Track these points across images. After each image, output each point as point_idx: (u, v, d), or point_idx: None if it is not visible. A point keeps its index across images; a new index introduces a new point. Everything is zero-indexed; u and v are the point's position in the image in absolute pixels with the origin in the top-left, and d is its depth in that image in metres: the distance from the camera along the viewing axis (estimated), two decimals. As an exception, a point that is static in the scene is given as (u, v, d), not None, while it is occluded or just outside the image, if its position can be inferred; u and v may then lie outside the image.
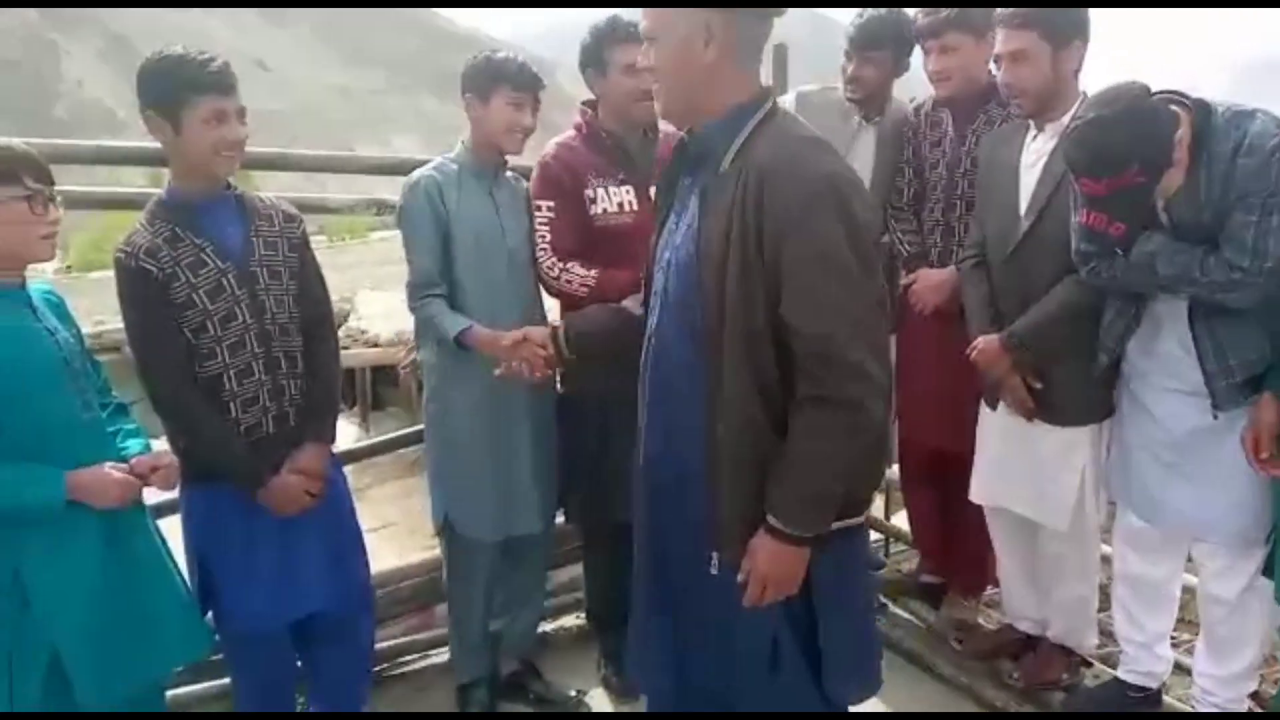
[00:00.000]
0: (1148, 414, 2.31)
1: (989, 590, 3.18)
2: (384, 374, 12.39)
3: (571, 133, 2.66)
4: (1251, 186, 2.02)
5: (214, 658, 2.54)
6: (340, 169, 3.24)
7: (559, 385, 2.68)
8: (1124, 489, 2.43)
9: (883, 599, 3.28)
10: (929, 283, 2.82)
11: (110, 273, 2.13)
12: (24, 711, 1.86)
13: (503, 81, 2.44)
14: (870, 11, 2.84)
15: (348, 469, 2.55)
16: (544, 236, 2.53)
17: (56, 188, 1.91)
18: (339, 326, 2.85)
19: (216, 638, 2.26)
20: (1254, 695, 2.47)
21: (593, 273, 2.48)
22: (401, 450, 3.40)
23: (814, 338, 1.60)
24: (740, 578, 1.69)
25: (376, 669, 2.76)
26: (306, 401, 2.23)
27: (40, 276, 1.99)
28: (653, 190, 2.12)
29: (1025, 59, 2.36)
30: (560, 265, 2.51)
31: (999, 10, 2.42)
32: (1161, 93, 2.12)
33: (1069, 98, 2.40)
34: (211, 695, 2.63)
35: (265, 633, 2.20)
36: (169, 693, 2.37)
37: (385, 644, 2.90)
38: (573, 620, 3.18)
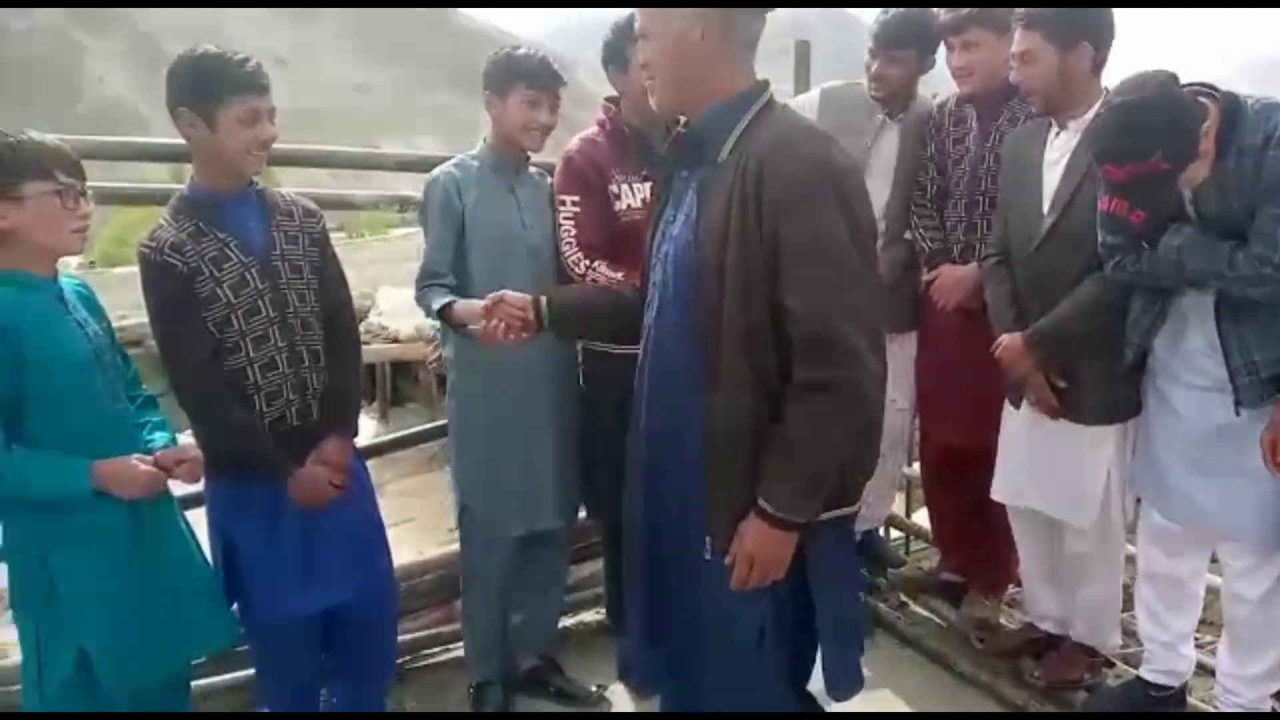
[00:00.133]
0: (1173, 411, 2.29)
1: (1010, 589, 3.17)
2: (404, 370, 12.45)
3: (595, 129, 2.67)
4: None
5: (239, 649, 2.58)
6: (363, 165, 3.26)
7: (581, 382, 2.69)
8: (1149, 487, 2.41)
9: (903, 597, 3.28)
10: (951, 279, 2.80)
11: (133, 269, 2.15)
12: (52, 693, 1.91)
13: (519, 79, 2.46)
14: (894, 10, 2.84)
15: (368, 464, 2.57)
16: (569, 232, 2.54)
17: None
18: (359, 322, 2.87)
19: (241, 630, 2.29)
20: (1277, 695, 2.45)
21: (619, 274, 2.48)
22: (421, 445, 3.43)
23: (810, 321, 1.61)
24: (726, 560, 1.70)
25: (398, 661, 2.77)
26: (328, 395, 2.25)
27: (63, 271, 2.02)
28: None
29: (1032, 60, 2.37)
30: (587, 263, 2.51)
31: (1016, 10, 2.42)
32: (1190, 84, 2.10)
33: (1087, 96, 2.39)
34: (236, 686, 2.65)
35: (290, 624, 2.22)
36: (194, 683, 2.40)
37: (407, 637, 2.92)
38: (593, 615, 3.20)
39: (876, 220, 2.97)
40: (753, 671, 1.78)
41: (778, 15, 1.90)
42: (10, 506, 1.92)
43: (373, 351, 11.17)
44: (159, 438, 2.07)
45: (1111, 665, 2.78)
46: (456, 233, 2.48)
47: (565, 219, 2.56)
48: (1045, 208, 2.44)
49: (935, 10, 2.81)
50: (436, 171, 2.53)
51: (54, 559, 1.89)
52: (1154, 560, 2.44)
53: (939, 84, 3.07)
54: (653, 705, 2.07)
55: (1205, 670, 2.64)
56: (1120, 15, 2.45)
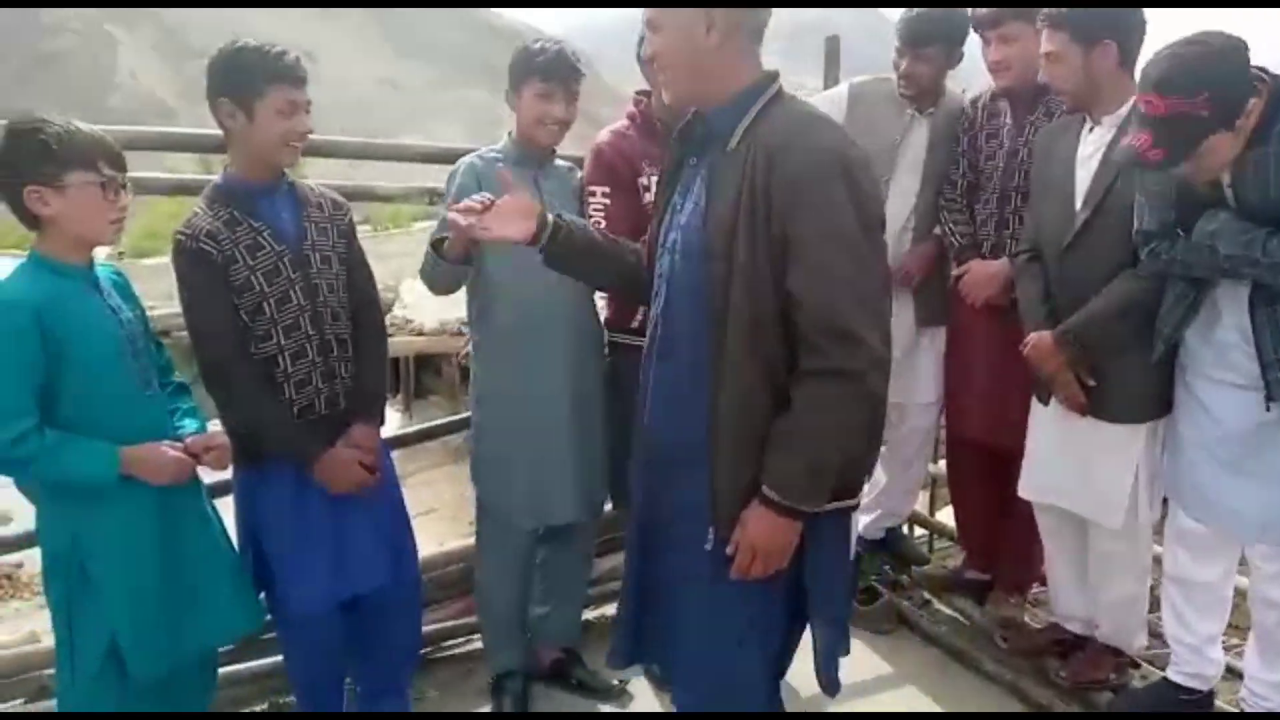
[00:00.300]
0: (1202, 408, 2.27)
1: (1035, 588, 3.15)
2: (427, 363, 12.51)
3: (625, 122, 2.67)
4: None
5: (265, 636, 2.60)
6: (390, 157, 3.28)
7: (608, 374, 2.69)
8: (1177, 487, 2.38)
9: (926, 595, 3.26)
10: (981, 275, 2.78)
11: (162, 260, 2.19)
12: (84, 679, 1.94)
13: (532, 73, 2.45)
14: (919, 9, 2.82)
15: (393, 455, 2.58)
16: (598, 224, 2.54)
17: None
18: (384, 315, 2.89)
19: (268, 617, 2.32)
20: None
21: None
22: (444, 438, 3.44)
23: (818, 309, 1.61)
24: (729, 549, 1.70)
25: (421, 651, 2.79)
26: (356, 384, 2.27)
27: (98, 260, 2.05)
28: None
29: (1058, 59, 2.37)
30: None
31: (1041, 10, 2.42)
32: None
33: (1119, 92, 2.37)
34: (263, 674, 2.68)
35: (317, 612, 2.24)
36: (221, 669, 2.43)
37: (429, 628, 2.93)
38: (615, 608, 3.20)
39: (909, 215, 2.98)
40: (731, 664, 1.78)
41: (807, 11, 1.89)
42: (42, 491, 1.96)
43: (397, 344, 11.23)
44: (189, 424, 2.10)
45: (1137, 666, 2.76)
46: None
47: (595, 210, 2.56)
48: (1078, 204, 2.42)
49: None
50: (460, 162, 2.55)
51: (84, 543, 1.92)
52: (1181, 563, 2.41)
53: (965, 79, 3.04)
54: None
55: (1232, 673, 2.61)
56: (1153, 14, 2.42)
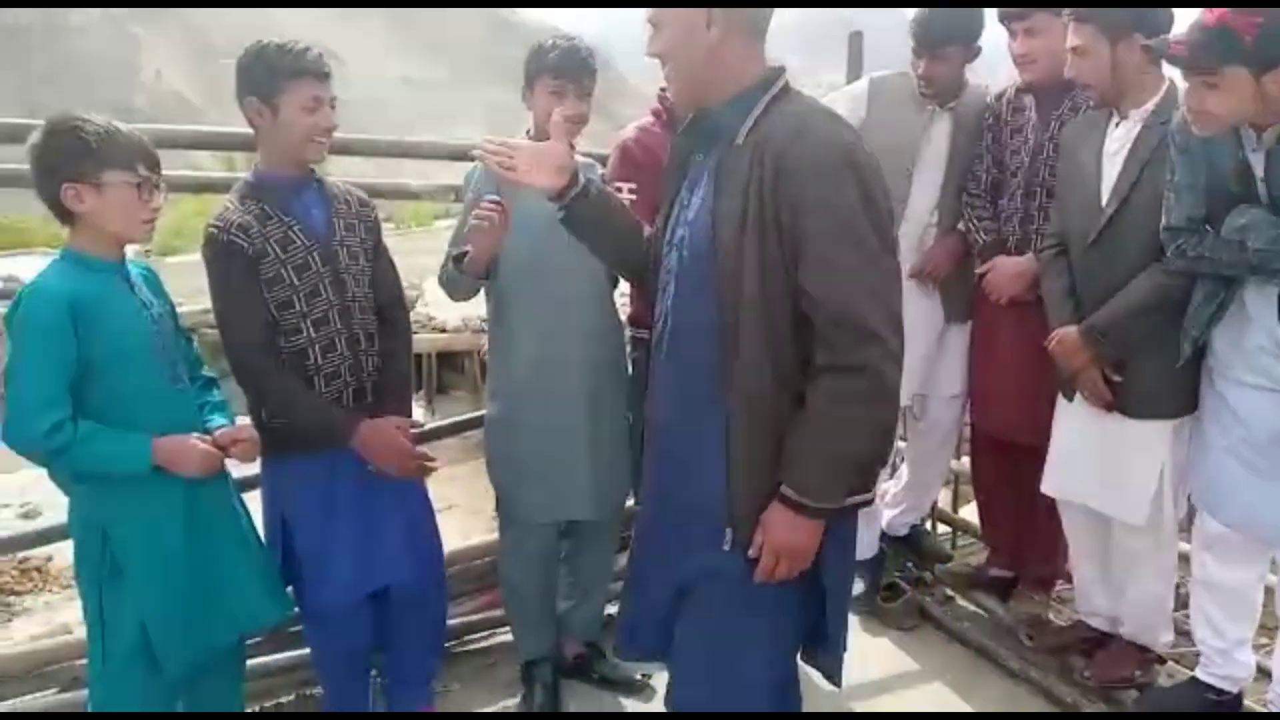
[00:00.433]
0: (1230, 411, 2.25)
1: (1060, 585, 3.13)
2: (449, 359, 12.59)
3: (650, 118, 2.67)
4: None
5: (292, 629, 2.63)
6: (415, 155, 3.29)
7: (630, 371, 2.69)
8: (1203, 490, 2.36)
9: (949, 592, 3.25)
10: (1006, 272, 2.77)
11: (188, 258, 2.22)
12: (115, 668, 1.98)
13: (544, 71, 2.45)
14: (932, 10, 2.80)
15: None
16: None
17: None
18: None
19: (295, 610, 2.34)
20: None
21: None
22: (466, 433, 3.46)
23: (832, 305, 1.60)
24: (752, 552, 1.69)
25: (446, 645, 2.81)
26: (382, 378, 2.30)
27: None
28: None
29: (1085, 53, 2.35)
30: None
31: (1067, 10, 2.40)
32: None
33: (1147, 87, 2.36)
34: (290, 666, 2.71)
35: (344, 604, 2.26)
36: (249, 661, 2.46)
37: (454, 621, 2.94)
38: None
39: (932, 209, 2.97)
40: (738, 664, 1.77)
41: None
42: (74, 482, 1.99)
43: (420, 341, 11.30)
44: (218, 418, 2.13)
45: (1163, 663, 2.74)
46: None
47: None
48: (1104, 199, 2.40)
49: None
50: (476, 163, 2.54)
51: (115, 535, 1.95)
52: (1209, 568, 2.39)
53: (987, 71, 3.03)
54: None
55: (1262, 672, 2.58)
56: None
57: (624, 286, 2.65)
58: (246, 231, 2.11)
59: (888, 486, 3.41)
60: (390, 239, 2.50)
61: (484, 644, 3.06)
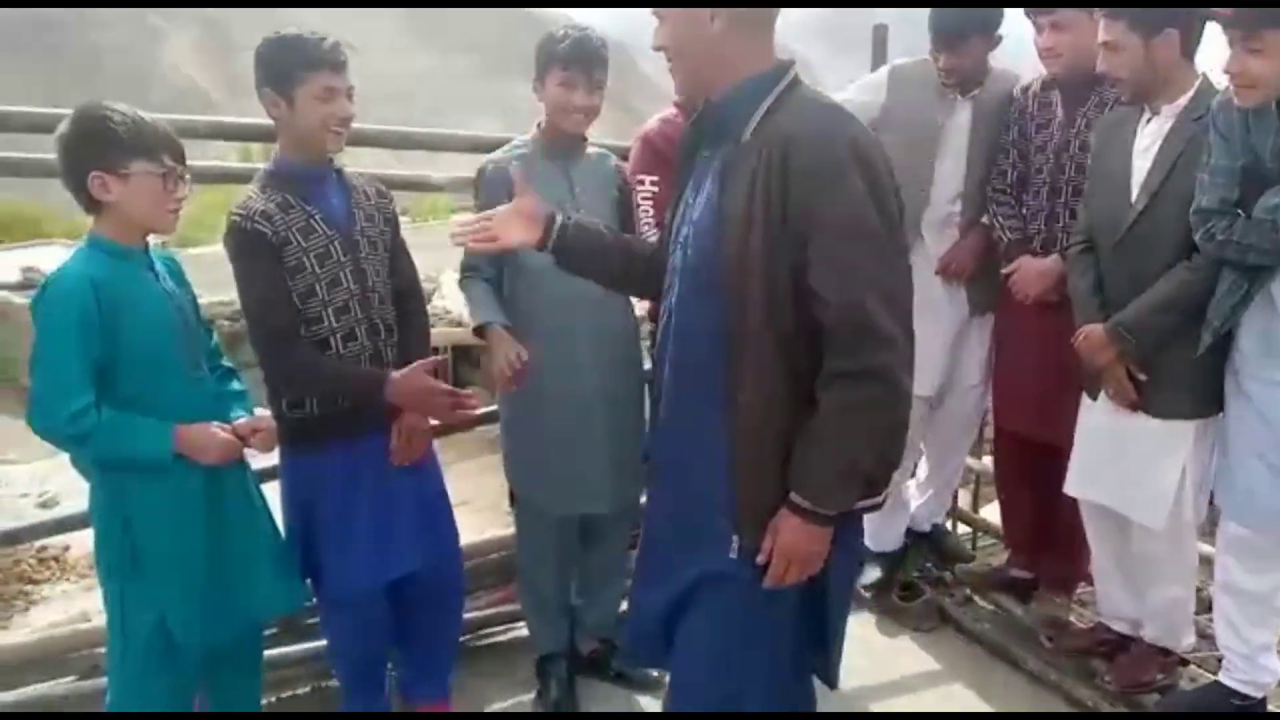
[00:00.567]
0: (1255, 411, 2.21)
1: (1081, 587, 3.10)
2: (465, 353, 12.60)
3: (673, 110, 2.65)
4: None
5: (309, 621, 2.64)
6: (437, 147, 3.29)
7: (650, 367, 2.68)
8: (1228, 494, 2.33)
9: (969, 592, 3.23)
10: (1031, 272, 2.74)
11: (207, 249, 2.23)
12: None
13: (554, 61, 2.42)
14: (948, 9, 2.78)
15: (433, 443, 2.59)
16: (647, 211, 2.53)
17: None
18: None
19: (312, 601, 2.35)
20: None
21: None
22: (481, 428, 3.46)
23: (843, 307, 1.56)
24: (761, 558, 1.65)
25: (461, 639, 2.81)
26: (403, 367, 2.28)
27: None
28: None
29: (1117, 49, 2.32)
30: None
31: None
32: None
33: (1180, 81, 2.32)
34: (306, 657, 2.71)
35: (362, 595, 2.26)
36: (267, 652, 2.46)
37: (470, 615, 2.94)
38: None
39: (954, 199, 2.93)
40: (738, 667, 1.74)
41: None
42: (96, 469, 2.00)
43: (436, 335, 11.25)
44: (237, 408, 2.14)
45: (1185, 666, 2.70)
46: None
47: (644, 199, 2.54)
48: (1133, 196, 2.37)
49: None
50: (486, 163, 2.52)
51: (135, 521, 1.97)
52: (1232, 572, 2.36)
53: (1010, 59, 3.00)
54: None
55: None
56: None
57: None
58: (270, 219, 2.11)
59: (910, 483, 3.39)
60: (407, 232, 2.50)
61: (499, 639, 3.06)
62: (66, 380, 1.85)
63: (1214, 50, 2.33)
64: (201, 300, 2.28)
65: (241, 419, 2.11)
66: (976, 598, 3.19)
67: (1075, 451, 2.60)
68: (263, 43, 2.16)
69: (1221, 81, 2.21)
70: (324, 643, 2.55)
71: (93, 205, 1.93)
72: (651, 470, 1.89)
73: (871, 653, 2.95)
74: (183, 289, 2.10)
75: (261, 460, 2.27)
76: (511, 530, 2.96)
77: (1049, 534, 2.98)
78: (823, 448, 1.61)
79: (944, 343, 3.02)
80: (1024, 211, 2.83)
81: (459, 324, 11.90)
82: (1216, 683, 2.47)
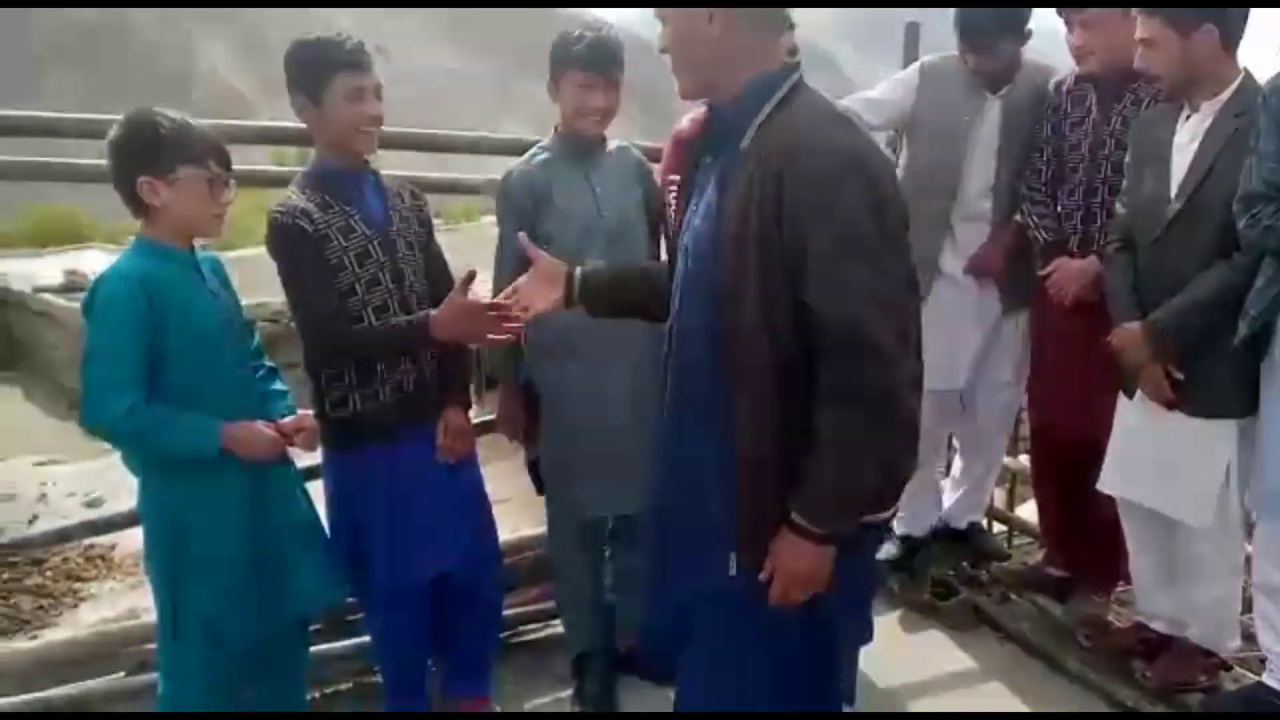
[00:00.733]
0: None
1: (1120, 587, 3.07)
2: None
3: (705, 110, 2.64)
4: None
5: (351, 618, 2.68)
6: (471, 149, 3.32)
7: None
8: (1264, 494, 2.30)
9: (1005, 592, 3.21)
10: (1068, 273, 2.73)
11: (242, 252, 2.27)
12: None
13: (570, 64, 2.42)
14: (977, 10, 2.76)
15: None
16: (679, 209, 2.53)
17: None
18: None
19: (354, 598, 2.39)
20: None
21: None
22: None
23: (839, 325, 1.51)
24: (763, 576, 1.62)
25: (500, 636, 2.84)
26: (441, 367, 2.33)
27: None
28: None
29: (1154, 46, 2.30)
30: None
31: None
32: None
33: (1220, 76, 2.30)
34: (349, 654, 2.75)
35: (405, 589, 2.30)
36: (312, 648, 2.51)
37: (508, 612, 2.97)
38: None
39: (985, 195, 2.92)
40: (741, 682, 1.72)
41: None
42: (146, 465, 2.06)
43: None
44: (280, 406, 2.19)
45: (1229, 669, 2.67)
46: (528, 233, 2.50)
47: (674, 196, 2.55)
48: (1173, 193, 2.34)
49: None
50: (509, 175, 2.52)
51: (184, 518, 2.02)
52: (1267, 572, 2.34)
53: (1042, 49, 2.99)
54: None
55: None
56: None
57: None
58: (310, 217, 2.15)
59: (944, 475, 3.39)
60: (440, 234, 2.53)
61: (536, 636, 3.08)
62: (118, 377, 1.90)
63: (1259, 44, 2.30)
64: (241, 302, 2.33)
65: (286, 418, 2.16)
66: (1013, 596, 3.17)
67: (1111, 450, 2.58)
68: (289, 49, 2.20)
69: (1265, 74, 2.18)
70: (367, 639, 2.59)
71: (141, 209, 1.99)
72: (660, 470, 1.85)
73: (906, 652, 2.94)
74: (227, 290, 2.15)
75: (304, 459, 2.32)
76: (545, 529, 2.98)
77: (1087, 533, 2.96)
78: (821, 467, 1.56)
79: (974, 339, 3.01)
80: (1059, 210, 2.82)
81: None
82: (1260, 683, 2.45)
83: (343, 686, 2.78)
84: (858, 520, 1.64)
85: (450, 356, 2.36)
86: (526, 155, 2.56)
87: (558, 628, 2.98)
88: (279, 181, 2.62)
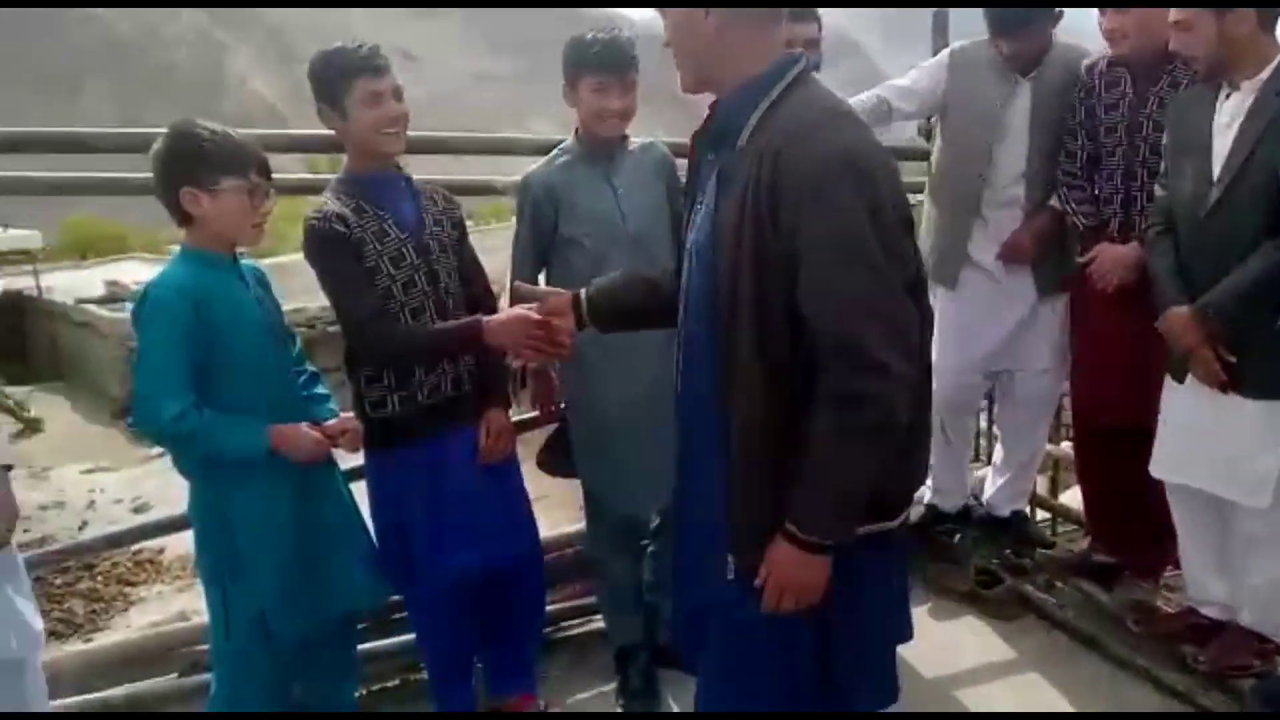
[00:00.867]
0: None
1: (1168, 572, 3.03)
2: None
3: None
4: None
5: (396, 616, 2.71)
6: (500, 151, 3.33)
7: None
8: None
9: (1050, 579, 3.18)
10: (1111, 259, 2.69)
11: (280, 260, 2.30)
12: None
13: (585, 67, 2.40)
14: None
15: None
16: None
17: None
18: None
19: (398, 596, 2.43)
20: None
21: None
22: (551, 425, 3.50)
23: (831, 328, 1.48)
24: (757, 583, 1.60)
25: (544, 631, 2.86)
26: (479, 367, 2.34)
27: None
28: None
29: (1189, 28, 2.27)
30: None
31: None
32: None
33: (1259, 55, 2.26)
34: (395, 651, 2.78)
35: (449, 586, 2.32)
36: (360, 646, 2.55)
37: (550, 608, 2.98)
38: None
39: (1016, 181, 2.89)
40: (749, 689, 1.70)
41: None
42: (196, 470, 2.10)
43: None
44: (324, 409, 2.24)
45: (1282, 655, 2.63)
46: (545, 245, 2.50)
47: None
48: (1215, 174, 2.31)
49: None
50: (529, 177, 2.52)
51: (234, 520, 2.06)
52: None
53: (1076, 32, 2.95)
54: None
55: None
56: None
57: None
58: (345, 221, 2.18)
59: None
60: (471, 236, 2.54)
61: (578, 631, 3.10)
62: (167, 383, 1.95)
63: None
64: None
65: (331, 420, 2.20)
66: (1058, 584, 3.14)
67: (1160, 434, 2.55)
68: (310, 62, 2.24)
69: None
70: (412, 636, 2.62)
71: (184, 219, 2.04)
72: (676, 472, 1.85)
73: (947, 641, 2.92)
74: (270, 297, 2.20)
75: (348, 460, 2.35)
76: (584, 525, 3.00)
77: (1133, 519, 2.92)
78: (813, 475, 1.53)
79: (1003, 326, 2.99)
80: (1097, 194, 2.78)
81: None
82: (1314, 668, 2.40)
83: (390, 683, 2.81)
84: (852, 530, 1.58)
85: (488, 356, 2.37)
86: (547, 158, 2.57)
87: (600, 623, 2.99)
88: (310, 189, 2.65)
